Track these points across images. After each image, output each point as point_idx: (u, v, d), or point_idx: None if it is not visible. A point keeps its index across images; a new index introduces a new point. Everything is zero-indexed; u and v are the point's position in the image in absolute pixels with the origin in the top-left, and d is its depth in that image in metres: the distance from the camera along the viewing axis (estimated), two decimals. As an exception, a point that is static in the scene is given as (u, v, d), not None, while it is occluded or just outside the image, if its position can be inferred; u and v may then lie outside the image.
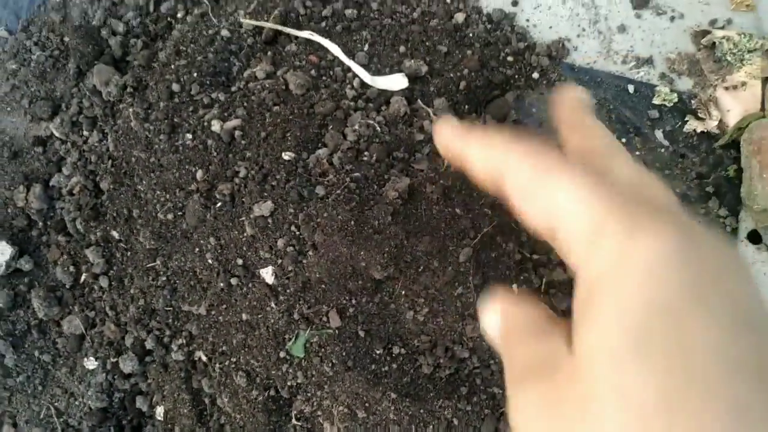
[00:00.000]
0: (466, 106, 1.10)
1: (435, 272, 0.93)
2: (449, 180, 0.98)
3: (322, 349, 0.90)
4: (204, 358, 0.95)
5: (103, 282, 0.99)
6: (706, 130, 1.15)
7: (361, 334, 0.91)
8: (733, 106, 1.16)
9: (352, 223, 0.90)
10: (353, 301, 0.91)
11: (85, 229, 1.01)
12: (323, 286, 0.90)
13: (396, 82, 1.05)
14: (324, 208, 0.90)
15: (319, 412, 0.93)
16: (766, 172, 1.10)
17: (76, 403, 0.99)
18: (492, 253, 0.97)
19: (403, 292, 0.93)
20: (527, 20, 1.18)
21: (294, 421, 0.94)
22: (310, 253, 0.90)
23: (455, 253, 0.94)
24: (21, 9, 1.17)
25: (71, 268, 1.00)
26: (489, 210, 0.99)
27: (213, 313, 0.93)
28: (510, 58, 1.14)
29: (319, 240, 0.89)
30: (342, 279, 0.90)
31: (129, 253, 0.98)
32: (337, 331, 0.90)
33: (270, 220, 0.91)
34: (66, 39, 1.12)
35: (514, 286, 0.99)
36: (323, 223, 0.90)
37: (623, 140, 1.14)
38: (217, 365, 0.94)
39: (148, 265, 0.96)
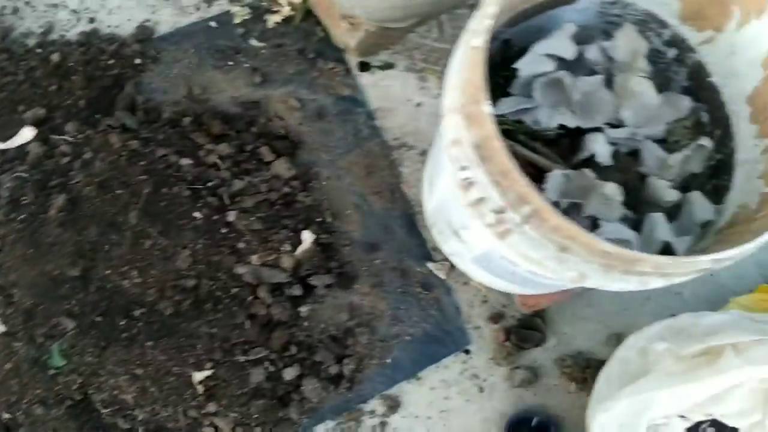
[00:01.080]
0: (97, 115, 1.31)
1: (119, 243, 1.14)
2: (102, 174, 1.20)
3: (76, 347, 1.11)
4: (6, 417, 1.13)
5: None
6: (284, 17, 1.41)
7: (98, 319, 1.12)
8: (291, -11, 1.42)
9: (31, 251, 1.10)
10: (73, 302, 1.11)
11: None
12: (41, 306, 1.10)
13: (25, 135, 1.25)
14: (4, 256, 1.10)
15: (114, 392, 1.13)
16: (330, 21, 1.37)
17: None
18: (161, 203, 1.19)
19: (109, 271, 1.14)
20: (108, 26, 1.39)
21: (103, 410, 1.14)
22: (14, 291, 1.09)
23: (127, 221, 1.15)
24: None
25: None
26: (145, 176, 1.21)
27: (-13, 381, 1.12)
28: (111, 62, 1.35)
29: (13, 278, 1.09)
30: (50, 292, 1.10)
31: None
32: (77, 329, 1.11)
33: (-27, 290, 1.10)
34: None
35: (198, 213, 1.21)
36: (9, 264, 1.10)
37: (231, 63, 1.38)
38: (18, 413, 1.12)
39: None
